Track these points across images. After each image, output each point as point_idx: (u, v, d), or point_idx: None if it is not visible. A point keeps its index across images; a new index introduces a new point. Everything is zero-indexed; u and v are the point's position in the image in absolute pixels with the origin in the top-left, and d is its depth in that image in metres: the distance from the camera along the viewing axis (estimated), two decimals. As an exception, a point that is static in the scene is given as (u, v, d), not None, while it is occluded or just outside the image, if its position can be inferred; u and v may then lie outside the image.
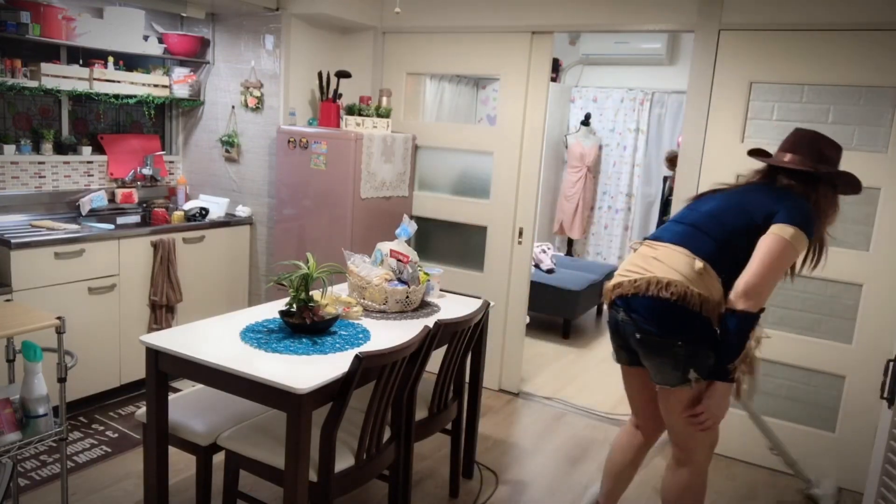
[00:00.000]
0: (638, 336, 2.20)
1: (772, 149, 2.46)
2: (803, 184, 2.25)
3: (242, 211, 4.28)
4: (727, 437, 3.50)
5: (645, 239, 2.36)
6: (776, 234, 2.10)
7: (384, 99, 4.19)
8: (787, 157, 2.28)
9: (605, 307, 6.11)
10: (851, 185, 2.30)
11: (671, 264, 2.16)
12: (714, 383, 2.14)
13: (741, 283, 2.08)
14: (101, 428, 3.35)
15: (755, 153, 2.46)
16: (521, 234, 4.04)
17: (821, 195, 2.26)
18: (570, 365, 4.79)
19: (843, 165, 3.11)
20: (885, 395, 2.29)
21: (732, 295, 2.10)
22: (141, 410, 2.39)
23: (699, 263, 2.13)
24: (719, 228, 2.21)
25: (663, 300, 2.12)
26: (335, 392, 2.11)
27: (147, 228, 3.65)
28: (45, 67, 3.45)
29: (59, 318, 2.25)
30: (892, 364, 2.24)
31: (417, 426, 2.61)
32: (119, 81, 3.81)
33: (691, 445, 2.28)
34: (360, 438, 2.24)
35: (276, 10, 4.00)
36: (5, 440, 2.13)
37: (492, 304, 3.04)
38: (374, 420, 2.25)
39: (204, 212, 4.00)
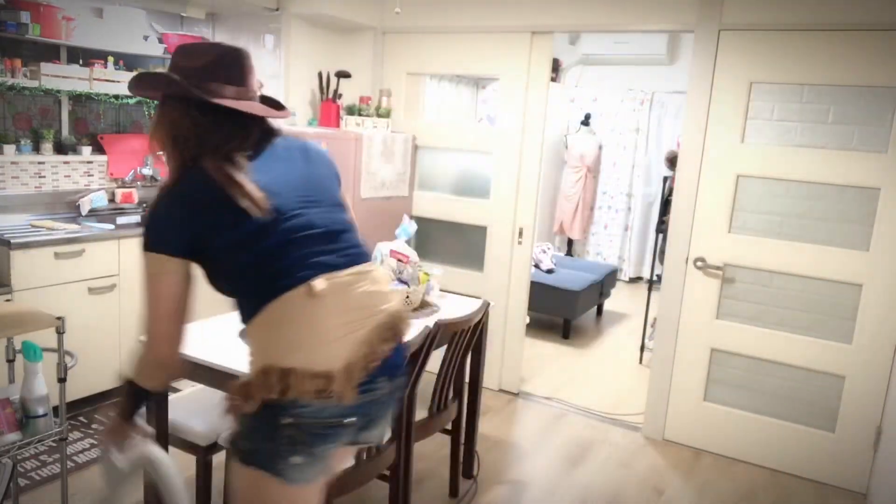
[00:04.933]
0: (400, 395, 1.66)
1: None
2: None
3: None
4: (727, 437, 3.51)
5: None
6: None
7: (384, 99, 4.19)
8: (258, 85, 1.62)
9: (603, 306, 6.15)
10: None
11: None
12: None
13: None
14: (102, 428, 3.35)
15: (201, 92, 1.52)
16: (521, 234, 4.04)
17: None
18: (570, 365, 4.79)
19: (843, 165, 3.13)
20: None
21: None
22: (141, 410, 2.38)
23: None
24: (351, 218, 1.66)
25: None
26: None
27: (147, 228, 3.64)
28: (45, 67, 3.45)
29: (59, 318, 2.25)
30: None
31: (417, 426, 2.61)
32: (119, 81, 3.80)
33: None
34: (359, 438, 2.23)
35: (276, 10, 4.00)
36: (5, 440, 2.13)
37: (492, 304, 3.04)
38: (373, 420, 2.24)
39: (204, 212, 3.99)
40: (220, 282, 1.52)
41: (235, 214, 1.42)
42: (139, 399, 1.62)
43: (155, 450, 1.68)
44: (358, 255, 1.57)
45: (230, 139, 1.48)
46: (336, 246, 1.53)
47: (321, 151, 1.68)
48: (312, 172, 1.60)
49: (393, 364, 1.55)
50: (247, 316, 1.50)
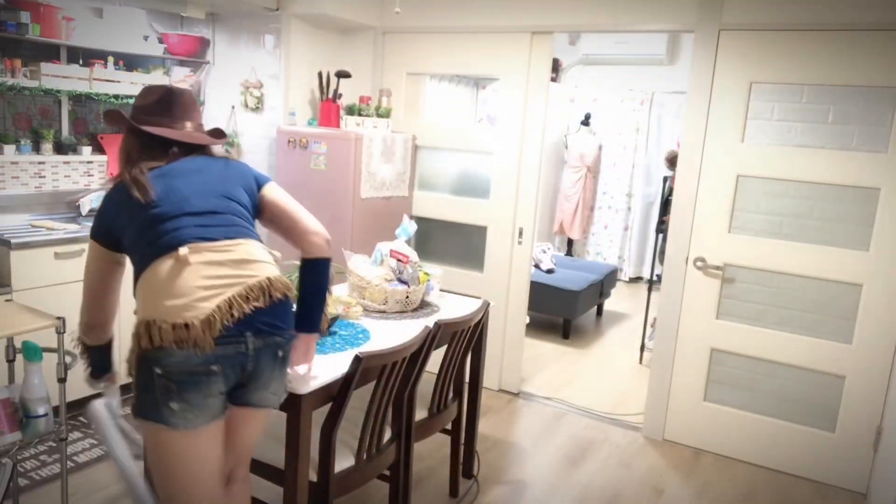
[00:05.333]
0: (281, 354, 1.85)
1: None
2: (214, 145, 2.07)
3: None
4: (727, 437, 3.51)
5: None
6: (279, 189, 2.06)
7: (384, 99, 4.19)
8: (196, 120, 2.01)
9: (603, 306, 6.16)
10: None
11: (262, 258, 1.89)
12: (306, 338, 1.99)
13: (317, 228, 2.00)
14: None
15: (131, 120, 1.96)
16: (521, 234, 4.04)
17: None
18: (570, 365, 4.79)
19: (843, 165, 3.13)
20: None
21: (314, 245, 1.99)
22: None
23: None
24: (238, 208, 1.93)
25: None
26: (335, 392, 2.11)
27: (147, 228, 3.65)
28: (45, 67, 3.45)
29: (59, 318, 2.25)
30: None
31: (417, 426, 2.61)
32: (119, 81, 3.80)
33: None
34: (360, 438, 2.24)
35: (276, 10, 4.00)
36: (5, 440, 2.13)
37: (492, 304, 3.04)
38: (374, 420, 2.25)
39: (204, 212, 4.00)
40: (134, 268, 1.82)
41: (136, 210, 1.78)
42: (90, 353, 2.01)
43: (100, 407, 2.01)
44: (233, 232, 1.84)
45: (147, 156, 1.88)
46: (210, 223, 1.82)
47: (239, 166, 2.04)
48: (217, 177, 1.93)
49: (261, 321, 1.77)
50: (135, 288, 1.80)
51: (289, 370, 1.93)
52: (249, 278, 1.78)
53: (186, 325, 1.66)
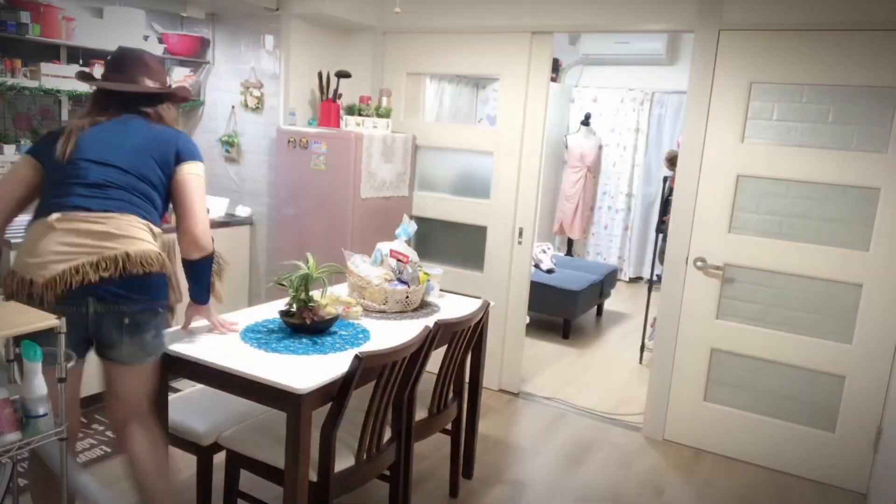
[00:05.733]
0: (127, 321, 2.03)
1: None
2: (155, 107, 2.19)
3: (242, 211, 4.28)
4: (727, 437, 3.51)
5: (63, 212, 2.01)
6: (196, 175, 2.14)
7: (384, 99, 4.19)
8: (144, 81, 2.17)
9: (603, 306, 6.15)
10: (183, 95, 2.32)
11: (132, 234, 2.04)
12: (195, 306, 2.30)
13: (193, 232, 2.11)
14: (101, 428, 3.35)
15: (85, 77, 2.30)
16: (521, 234, 4.04)
17: (171, 114, 2.24)
18: (570, 365, 4.79)
19: (843, 165, 3.14)
20: None
21: (183, 247, 2.15)
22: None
23: (154, 228, 2.10)
24: (137, 183, 2.08)
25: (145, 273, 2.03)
26: (335, 392, 2.11)
27: (147, 228, 3.65)
28: (45, 67, 3.45)
29: (59, 318, 2.25)
30: None
31: (417, 426, 2.61)
32: (119, 81, 3.80)
33: (146, 404, 2.19)
34: (360, 438, 2.24)
35: (276, 10, 4.00)
36: (5, 440, 2.13)
37: (492, 304, 3.04)
38: (374, 420, 2.25)
39: (204, 212, 3.99)
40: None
41: (54, 153, 2.04)
42: None
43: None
44: (115, 206, 2.02)
45: (91, 111, 2.16)
46: (93, 194, 2.01)
47: (163, 134, 2.15)
48: (132, 144, 2.09)
49: (106, 290, 1.97)
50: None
51: (191, 325, 2.33)
52: (107, 250, 1.96)
53: (31, 282, 1.93)
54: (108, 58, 2.22)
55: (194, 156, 2.16)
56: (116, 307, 1.99)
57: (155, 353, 2.14)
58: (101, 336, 2.04)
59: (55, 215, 1.97)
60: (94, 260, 1.94)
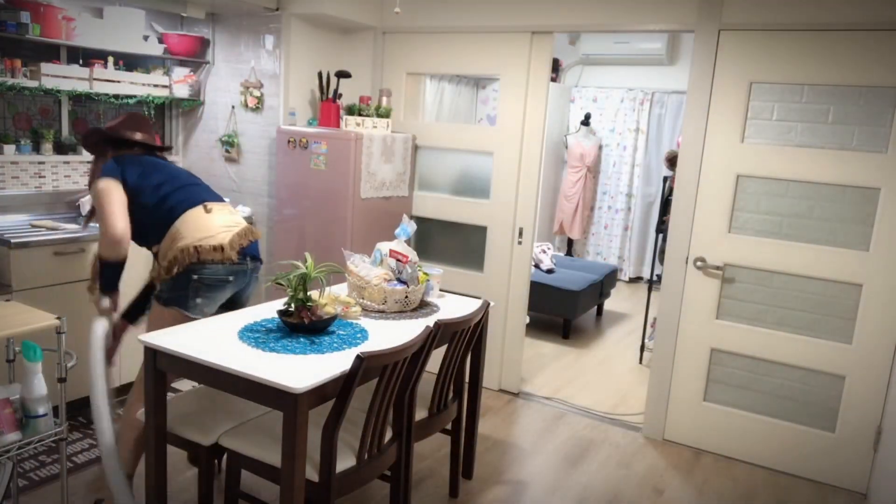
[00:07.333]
0: (256, 274, 2.83)
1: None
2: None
3: (242, 211, 4.27)
4: (727, 437, 3.51)
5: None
6: None
7: (384, 99, 4.19)
8: (140, 135, 2.85)
9: (603, 306, 6.16)
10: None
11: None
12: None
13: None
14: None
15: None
16: (521, 234, 4.04)
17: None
18: (570, 365, 4.79)
19: (843, 165, 3.14)
20: None
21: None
22: (140, 411, 2.39)
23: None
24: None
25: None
26: (332, 392, 2.11)
27: (147, 228, 3.65)
28: (45, 67, 3.45)
29: (59, 318, 2.25)
30: None
31: (417, 426, 2.61)
32: (119, 81, 3.80)
33: None
34: (361, 438, 2.24)
35: (276, 10, 4.00)
36: (5, 440, 2.13)
37: (492, 304, 3.04)
38: (375, 420, 2.25)
39: (204, 212, 4.00)
40: (156, 215, 2.70)
41: (160, 167, 2.87)
42: (107, 270, 2.62)
43: (99, 328, 2.59)
44: (219, 197, 2.87)
45: (118, 151, 2.85)
46: (205, 191, 2.83)
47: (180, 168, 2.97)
48: (178, 168, 2.91)
49: (251, 251, 2.77)
50: (157, 239, 2.68)
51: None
52: (237, 226, 2.74)
53: (221, 246, 2.62)
54: (123, 118, 2.87)
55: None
56: (256, 263, 2.79)
57: None
58: (248, 285, 2.79)
59: (209, 204, 2.73)
60: (237, 232, 2.70)
